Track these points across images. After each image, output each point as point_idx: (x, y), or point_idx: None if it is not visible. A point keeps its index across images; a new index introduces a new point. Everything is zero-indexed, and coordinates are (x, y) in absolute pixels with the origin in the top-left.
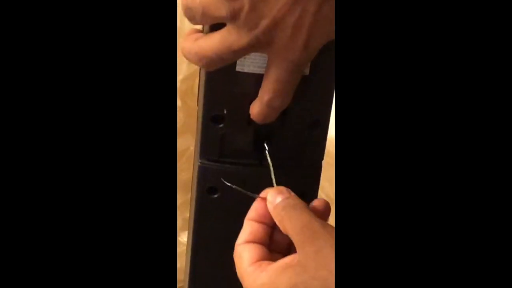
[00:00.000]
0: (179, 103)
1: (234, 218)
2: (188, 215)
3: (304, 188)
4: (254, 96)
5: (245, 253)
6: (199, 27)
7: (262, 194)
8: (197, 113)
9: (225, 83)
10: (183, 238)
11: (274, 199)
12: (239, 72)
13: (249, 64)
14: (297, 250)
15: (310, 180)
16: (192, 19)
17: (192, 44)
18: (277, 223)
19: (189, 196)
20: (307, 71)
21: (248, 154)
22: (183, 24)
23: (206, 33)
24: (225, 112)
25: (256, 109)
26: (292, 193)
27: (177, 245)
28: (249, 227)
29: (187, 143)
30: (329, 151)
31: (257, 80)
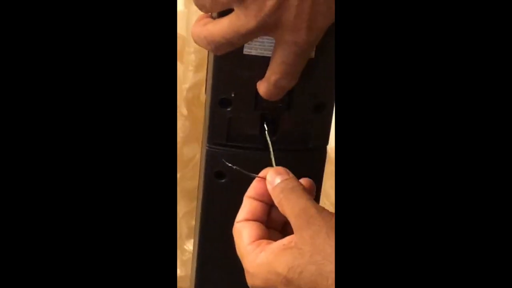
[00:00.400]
0: (185, 111)
1: (240, 203)
2: (193, 223)
3: (309, 171)
4: (260, 79)
5: (244, 231)
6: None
7: (262, 173)
8: (205, 98)
9: (233, 66)
10: (189, 246)
11: (273, 180)
12: (247, 55)
13: (256, 47)
14: (294, 232)
15: (315, 164)
16: (203, 7)
17: (201, 29)
18: (276, 203)
19: (194, 204)
20: (312, 54)
21: (255, 138)
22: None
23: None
24: (232, 95)
25: (263, 88)
26: (291, 174)
27: (177, 254)
28: (248, 205)
29: (193, 152)
30: (330, 157)
31: (264, 63)
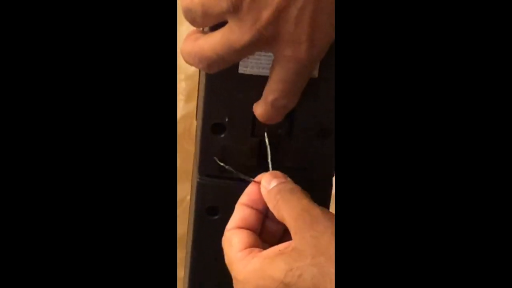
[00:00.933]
0: None
1: None
2: (183, 273)
3: None
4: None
5: (235, 238)
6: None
7: (257, 179)
8: (196, 123)
9: (226, 87)
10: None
11: (268, 184)
12: (242, 74)
13: (253, 65)
14: (293, 236)
15: (320, 196)
16: (193, 21)
17: (192, 45)
18: (271, 208)
19: (184, 253)
20: (315, 73)
21: (252, 168)
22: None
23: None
24: (226, 120)
25: (259, 109)
26: (288, 178)
27: None
28: (241, 212)
29: (185, 192)
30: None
31: (262, 83)
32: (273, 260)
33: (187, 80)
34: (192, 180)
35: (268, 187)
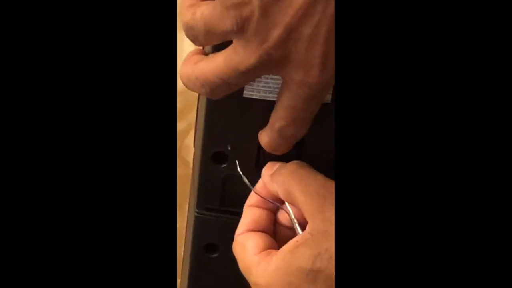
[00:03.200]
0: None
1: (236, 282)
2: None
3: None
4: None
5: (249, 242)
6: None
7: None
8: (194, 152)
9: (229, 112)
10: None
11: (271, 170)
12: (247, 98)
13: (259, 89)
14: (311, 218)
15: None
16: (195, 40)
17: (192, 68)
18: (280, 192)
19: None
20: (328, 98)
21: None
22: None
23: (209, 54)
24: (228, 148)
25: (265, 138)
26: None
27: None
28: (251, 214)
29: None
30: None
31: (269, 108)
32: (295, 252)
33: (180, 96)
34: (188, 213)
35: (273, 170)
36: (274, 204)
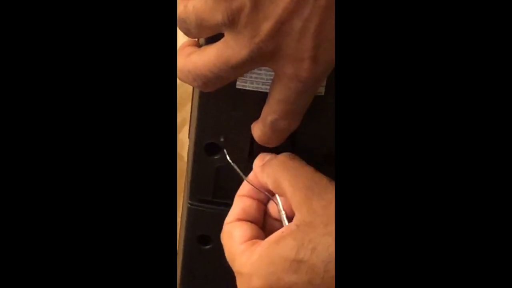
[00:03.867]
0: None
1: (229, 274)
2: None
3: None
4: (257, 119)
5: (236, 231)
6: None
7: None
8: (188, 143)
9: (222, 103)
10: None
11: (262, 161)
12: (240, 90)
13: (252, 81)
14: (297, 209)
15: None
16: (188, 32)
17: (184, 61)
18: (269, 183)
19: None
20: (321, 90)
21: None
22: None
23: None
24: (221, 140)
25: (257, 131)
26: None
27: None
28: (240, 204)
29: None
30: None
31: (262, 99)
32: (279, 241)
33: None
34: (182, 204)
35: (264, 160)
36: (265, 196)
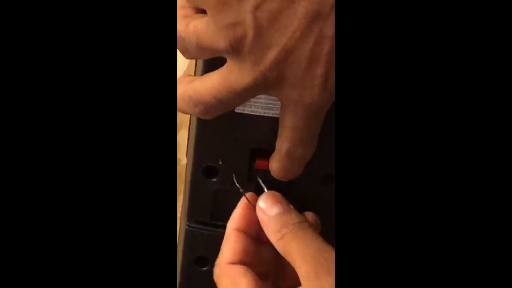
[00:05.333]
0: None
1: None
2: None
3: None
4: (256, 143)
5: (242, 282)
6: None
7: (250, 198)
8: (186, 164)
9: (221, 127)
10: None
11: (269, 208)
12: (238, 113)
13: (251, 104)
14: (305, 282)
15: None
16: (185, 52)
17: (185, 88)
18: (273, 240)
19: None
20: None
21: None
22: None
23: (201, 72)
24: (220, 163)
25: (275, 164)
26: (291, 205)
27: None
28: (238, 241)
29: None
30: None
31: (260, 123)
32: None
33: None
34: (179, 226)
35: (269, 213)
36: (256, 230)
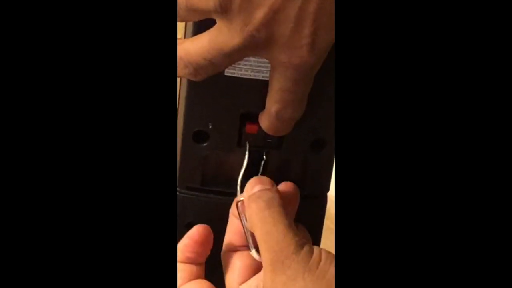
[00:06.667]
0: None
1: (216, 258)
2: None
3: (305, 224)
4: (246, 107)
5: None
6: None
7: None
8: (177, 130)
9: (211, 90)
10: None
11: (252, 188)
12: (228, 77)
13: (241, 67)
14: (265, 272)
15: (313, 215)
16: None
17: (177, 49)
18: (247, 215)
19: None
20: None
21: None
22: None
23: (191, 35)
24: (210, 127)
25: (265, 122)
26: (275, 186)
27: None
28: (239, 227)
29: None
30: (330, 213)
31: (251, 86)
32: None
33: None
34: None
35: (250, 193)
36: None
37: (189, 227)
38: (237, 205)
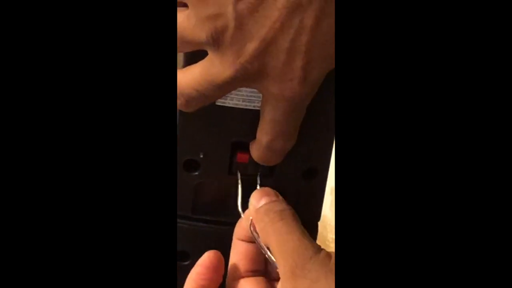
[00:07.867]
0: None
1: None
2: None
3: None
4: (237, 136)
5: None
6: None
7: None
8: None
9: (202, 120)
10: None
11: (257, 201)
12: (219, 106)
13: (232, 97)
14: (283, 279)
15: None
16: None
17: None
18: (258, 230)
19: None
20: None
21: (229, 210)
22: None
23: (182, 65)
24: (201, 156)
25: (256, 152)
26: (280, 197)
27: None
28: (244, 251)
29: None
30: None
31: (242, 116)
32: None
33: None
34: None
35: (257, 206)
36: None
37: (179, 256)
38: (250, 222)
